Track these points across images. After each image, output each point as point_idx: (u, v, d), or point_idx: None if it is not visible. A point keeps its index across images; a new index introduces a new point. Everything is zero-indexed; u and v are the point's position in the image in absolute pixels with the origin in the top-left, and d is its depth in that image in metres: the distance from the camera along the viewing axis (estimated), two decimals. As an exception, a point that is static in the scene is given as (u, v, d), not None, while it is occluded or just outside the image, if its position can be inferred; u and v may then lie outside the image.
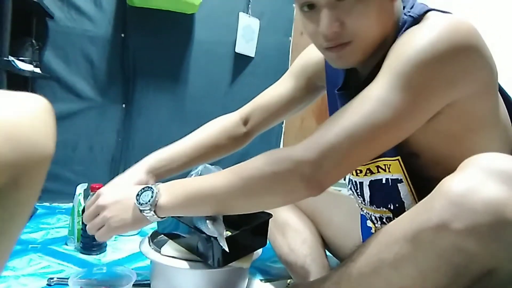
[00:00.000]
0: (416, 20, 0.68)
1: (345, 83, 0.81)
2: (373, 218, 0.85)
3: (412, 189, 0.75)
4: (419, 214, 0.59)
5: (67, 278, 0.89)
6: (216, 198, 0.72)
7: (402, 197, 0.76)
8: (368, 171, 0.80)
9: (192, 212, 0.77)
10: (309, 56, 0.97)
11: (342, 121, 0.63)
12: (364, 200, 0.84)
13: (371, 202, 0.83)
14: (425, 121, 0.65)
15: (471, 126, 0.69)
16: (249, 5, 1.97)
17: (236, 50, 1.96)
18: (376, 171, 0.79)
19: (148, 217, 0.75)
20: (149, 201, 0.73)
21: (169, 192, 0.75)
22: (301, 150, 0.65)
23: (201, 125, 2.00)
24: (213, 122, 1.05)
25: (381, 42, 0.70)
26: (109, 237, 0.80)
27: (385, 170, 0.77)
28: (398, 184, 0.76)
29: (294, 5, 2.28)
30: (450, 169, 0.58)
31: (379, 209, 0.82)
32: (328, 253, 1.05)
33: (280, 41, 2.11)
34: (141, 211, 0.74)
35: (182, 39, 1.89)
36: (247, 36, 1.99)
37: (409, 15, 0.69)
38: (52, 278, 1.00)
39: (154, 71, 1.86)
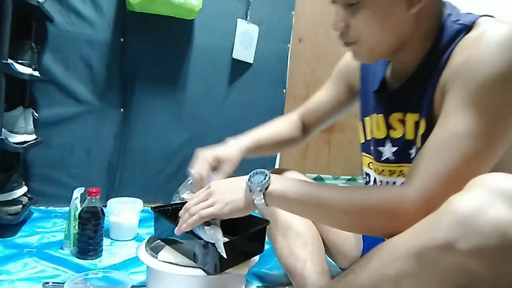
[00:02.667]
0: (469, 27, 0.69)
1: (382, 85, 0.86)
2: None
3: None
4: (424, 232, 0.58)
5: (63, 283, 0.89)
6: (326, 208, 0.71)
7: None
8: (401, 173, 0.83)
9: (296, 209, 0.76)
10: (345, 60, 1.03)
11: (443, 159, 0.63)
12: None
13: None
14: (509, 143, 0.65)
15: None
16: (248, 12, 1.99)
17: (233, 56, 1.97)
18: None
19: (256, 201, 0.74)
20: (261, 182, 0.74)
21: (281, 181, 0.76)
22: (410, 192, 0.64)
23: (198, 130, 2.01)
24: (283, 118, 1.13)
25: (405, 45, 0.74)
26: (207, 218, 0.79)
27: None
28: None
29: (293, 12, 2.30)
30: None
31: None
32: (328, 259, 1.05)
33: (278, 48, 2.11)
34: (251, 191, 0.74)
35: (181, 45, 1.89)
36: (246, 42, 2.00)
37: (461, 23, 0.70)
38: (47, 283, 0.99)
39: (153, 76, 1.86)
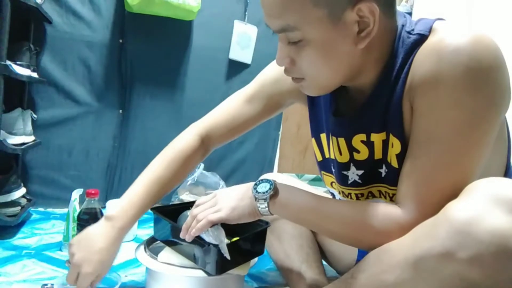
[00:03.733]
0: (425, 36, 0.65)
1: (339, 107, 0.80)
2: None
3: None
4: (422, 240, 0.57)
5: (62, 285, 0.88)
6: (326, 222, 0.73)
7: None
8: (370, 195, 0.81)
9: (297, 219, 0.78)
10: (271, 74, 0.95)
11: (430, 180, 0.63)
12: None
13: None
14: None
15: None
16: (246, 13, 1.99)
17: (230, 57, 1.97)
18: (378, 196, 0.79)
19: (260, 209, 0.76)
20: (266, 191, 0.75)
21: (287, 189, 0.77)
22: (405, 215, 0.65)
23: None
24: (172, 153, 0.95)
25: (358, 73, 0.70)
26: (216, 222, 0.80)
27: (385, 198, 0.77)
28: None
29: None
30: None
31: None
32: (324, 262, 1.05)
33: (276, 49, 2.11)
34: (256, 199, 0.75)
35: (180, 46, 1.89)
36: (243, 43, 2.00)
37: (417, 33, 0.66)
38: (46, 285, 0.99)
39: (152, 77, 1.86)
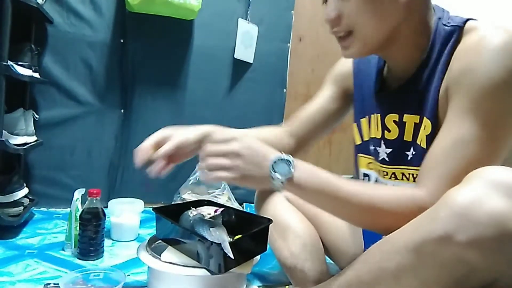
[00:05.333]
0: (460, 28, 0.72)
1: (382, 85, 0.87)
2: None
3: None
4: (422, 225, 0.59)
5: (64, 284, 0.88)
6: (342, 204, 0.71)
7: None
8: (393, 176, 0.83)
9: (312, 199, 0.74)
10: (337, 67, 1.02)
11: (450, 168, 0.66)
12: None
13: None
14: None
15: None
16: (248, 12, 1.98)
17: (235, 56, 1.97)
18: (401, 178, 0.81)
19: (275, 185, 0.71)
20: (285, 173, 0.70)
21: (305, 171, 0.72)
22: (423, 195, 0.66)
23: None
24: (270, 127, 1.04)
25: (397, 39, 0.76)
26: (223, 181, 0.79)
27: (408, 180, 0.79)
28: None
29: (292, 11, 2.29)
30: None
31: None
32: (328, 259, 1.05)
33: (278, 47, 2.11)
34: (273, 178, 0.70)
35: (181, 45, 1.89)
36: (246, 42, 2.00)
37: (452, 25, 0.73)
38: (48, 284, 0.99)
39: (153, 77, 1.86)
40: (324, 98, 1.02)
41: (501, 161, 0.66)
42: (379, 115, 0.85)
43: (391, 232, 0.67)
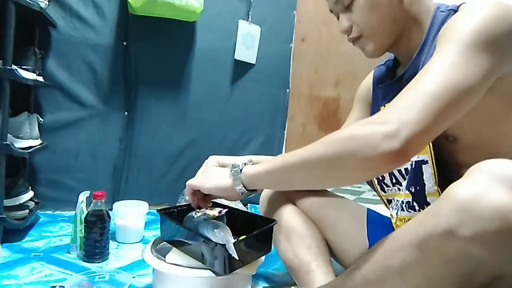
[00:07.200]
0: (456, 11, 0.76)
1: (386, 78, 0.92)
2: (393, 205, 0.90)
3: (436, 171, 0.77)
4: (426, 220, 0.58)
5: (70, 287, 0.89)
6: (303, 167, 0.71)
7: (424, 179, 0.79)
8: None
9: (274, 179, 0.80)
10: (362, 84, 1.08)
11: (420, 86, 0.63)
12: (391, 180, 0.90)
13: (396, 183, 0.90)
14: (488, 85, 0.66)
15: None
16: (250, 13, 1.99)
17: (236, 57, 1.97)
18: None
19: (236, 187, 0.82)
20: (238, 166, 0.83)
21: (259, 161, 0.85)
22: (379, 121, 0.63)
23: (202, 132, 2.01)
24: None
25: (403, 33, 0.83)
26: (191, 187, 0.91)
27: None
28: (423, 166, 0.79)
29: (294, 12, 2.29)
30: (484, 155, 0.60)
31: (402, 192, 0.86)
32: (333, 259, 1.05)
33: (281, 48, 2.11)
34: (232, 174, 0.83)
35: (183, 47, 1.90)
36: (247, 43, 2.00)
37: (448, 9, 0.79)
38: (54, 287, 0.99)
39: (156, 79, 1.86)
40: (353, 118, 1.06)
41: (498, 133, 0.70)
42: (388, 104, 0.85)
43: (363, 178, 0.69)
